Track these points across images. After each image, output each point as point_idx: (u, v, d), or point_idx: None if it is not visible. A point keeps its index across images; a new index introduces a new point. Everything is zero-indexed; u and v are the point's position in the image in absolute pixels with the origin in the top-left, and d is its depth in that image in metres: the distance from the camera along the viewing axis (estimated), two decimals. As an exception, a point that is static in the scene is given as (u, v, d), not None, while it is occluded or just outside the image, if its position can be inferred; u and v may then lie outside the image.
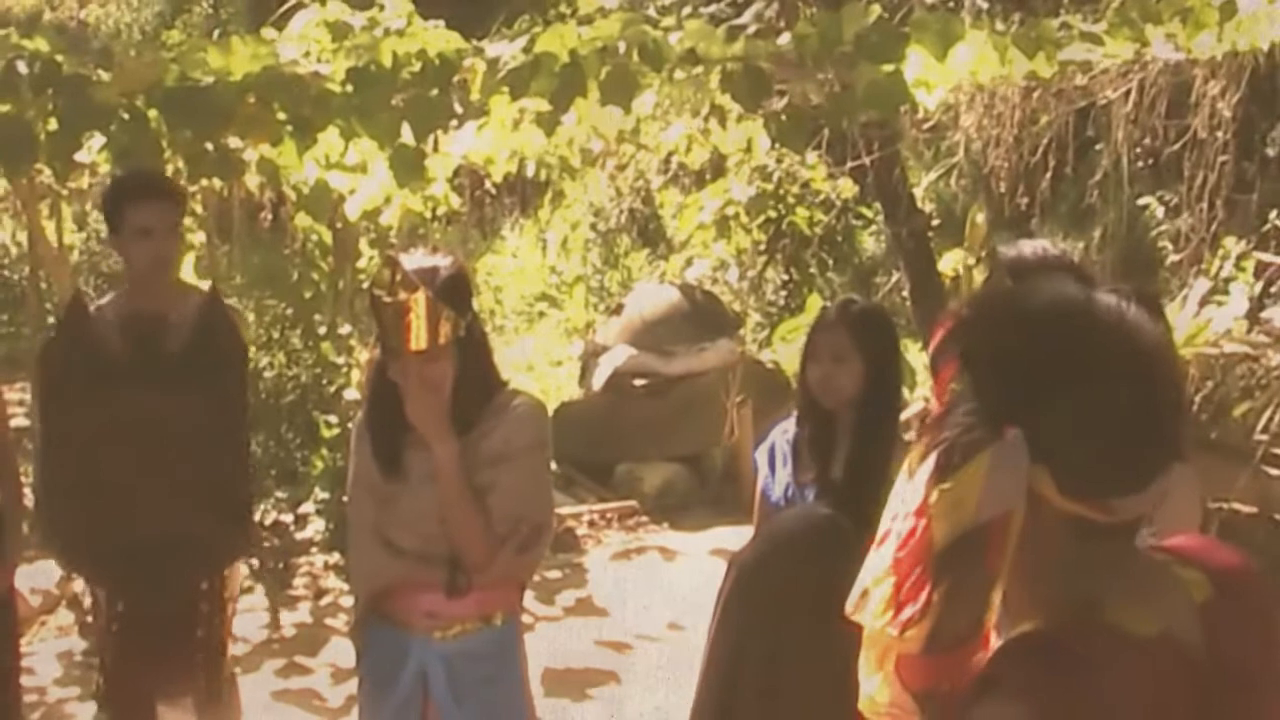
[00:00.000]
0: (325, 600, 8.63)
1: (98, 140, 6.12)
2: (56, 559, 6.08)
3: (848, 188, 13.69)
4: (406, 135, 6.11)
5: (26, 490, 5.77)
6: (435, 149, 7.91)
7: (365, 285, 5.57)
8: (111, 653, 5.13)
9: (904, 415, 10.20)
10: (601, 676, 7.33)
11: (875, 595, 1.88)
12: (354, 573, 4.33)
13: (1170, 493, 1.87)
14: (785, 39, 6.24)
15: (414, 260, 3.75)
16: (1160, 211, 13.71)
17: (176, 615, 5.04)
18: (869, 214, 16.20)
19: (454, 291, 3.75)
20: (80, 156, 6.29)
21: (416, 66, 6.03)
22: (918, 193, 12.57)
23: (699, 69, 6.30)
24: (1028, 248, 4.15)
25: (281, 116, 5.94)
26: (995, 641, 1.88)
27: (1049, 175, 10.09)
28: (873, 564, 1.91)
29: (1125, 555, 1.92)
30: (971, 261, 11.00)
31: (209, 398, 4.98)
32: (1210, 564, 1.96)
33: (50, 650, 7.69)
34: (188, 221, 8.21)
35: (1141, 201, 13.53)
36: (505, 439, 3.86)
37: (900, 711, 1.92)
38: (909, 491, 1.87)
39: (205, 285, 6.03)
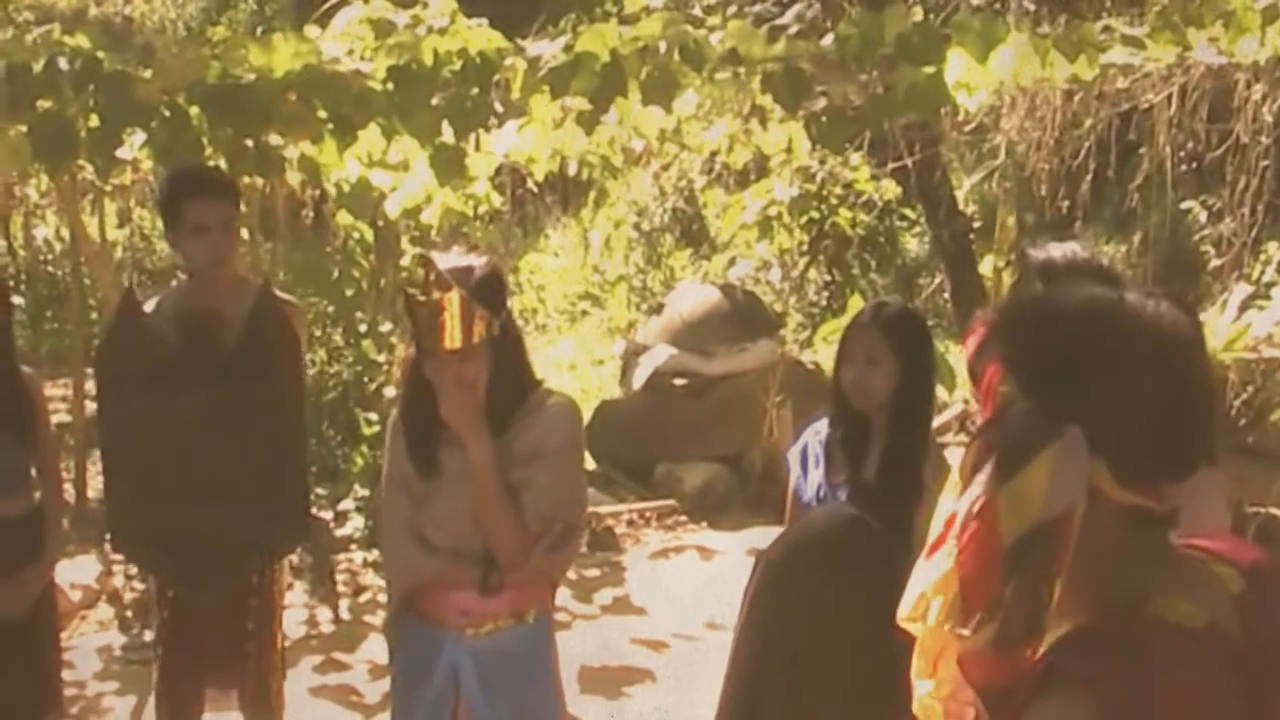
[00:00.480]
0: (364, 597, 8.65)
1: (139, 137, 6.16)
2: (113, 546, 6.12)
3: (891, 189, 13.64)
4: (447, 134, 6.13)
5: (68, 486, 5.78)
6: (477, 147, 7.94)
7: (405, 283, 5.62)
8: (163, 641, 5.18)
9: (944, 417, 10.25)
10: (638, 675, 7.33)
11: (935, 601, 1.91)
12: (388, 569, 4.36)
13: (1198, 496, 1.89)
14: (828, 40, 6.24)
15: (448, 259, 3.75)
16: (1203, 216, 13.64)
17: (227, 607, 5.08)
18: (912, 215, 16.15)
19: (488, 290, 3.75)
20: (121, 153, 6.32)
21: (457, 65, 6.06)
22: (960, 195, 12.54)
23: (740, 69, 6.31)
24: (1057, 251, 4.13)
25: (322, 114, 5.98)
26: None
27: (1091, 179, 10.02)
28: (928, 570, 1.94)
29: (1169, 549, 1.97)
30: (1001, 264, 10.96)
31: (264, 392, 4.99)
32: (1239, 559, 2.01)
33: (90, 645, 7.73)
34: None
35: (1184, 206, 13.46)
36: (539, 438, 3.86)
37: (958, 706, 1.95)
38: (966, 495, 1.90)
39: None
